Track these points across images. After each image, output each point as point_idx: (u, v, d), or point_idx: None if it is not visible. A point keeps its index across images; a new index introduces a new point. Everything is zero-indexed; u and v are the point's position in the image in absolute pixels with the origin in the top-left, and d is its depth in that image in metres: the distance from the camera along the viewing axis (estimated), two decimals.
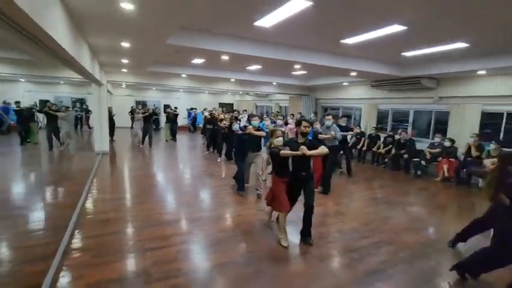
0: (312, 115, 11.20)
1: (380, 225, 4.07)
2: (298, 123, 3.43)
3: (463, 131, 7.19)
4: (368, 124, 9.94)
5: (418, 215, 4.70)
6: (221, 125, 7.66)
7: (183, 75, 9.76)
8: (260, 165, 5.09)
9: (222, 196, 5.10)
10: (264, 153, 5.26)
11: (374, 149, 8.86)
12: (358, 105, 10.80)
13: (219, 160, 8.12)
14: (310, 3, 3.21)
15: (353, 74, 7.19)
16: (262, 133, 5.05)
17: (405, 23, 3.82)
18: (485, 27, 3.92)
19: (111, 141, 10.83)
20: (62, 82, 14.64)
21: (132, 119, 16.15)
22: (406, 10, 3.37)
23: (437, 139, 7.42)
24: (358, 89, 10.27)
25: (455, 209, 5.26)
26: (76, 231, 3.46)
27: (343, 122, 7.40)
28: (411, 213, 4.72)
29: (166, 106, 17.30)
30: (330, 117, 5.86)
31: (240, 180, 5.19)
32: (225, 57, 5.68)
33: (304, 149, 3.13)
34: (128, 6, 3.12)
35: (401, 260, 3.14)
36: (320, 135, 5.55)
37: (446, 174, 6.92)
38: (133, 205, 4.47)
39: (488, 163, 2.86)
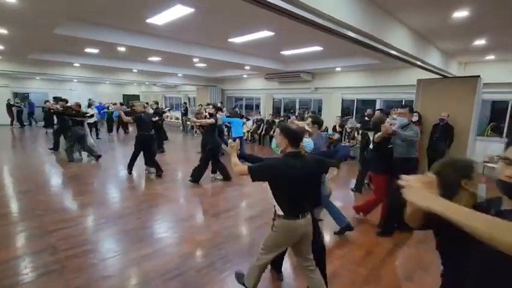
0: (219, 104, 12.04)
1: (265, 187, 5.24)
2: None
3: (332, 113, 9.29)
4: (266, 112, 11.44)
5: None
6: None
7: (76, 65, 9.06)
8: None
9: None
10: None
11: (271, 133, 10.36)
12: (257, 95, 12.22)
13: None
14: (192, 10, 3.89)
15: (247, 67, 8.28)
16: None
17: (272, 30, 4.92)
18: (328, 38, 5.40)
19: None
20: None
21: (11, 114, 13.63)
22: (268, 21, 4.41)
23: None
24: (256, 81, 11.62)
25: None
26: None
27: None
28: None
29: (57, 99, 15.18)
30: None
31: None
32: (121, 49, 5.83)
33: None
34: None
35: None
36: None
37: None
38: (28, 198, 4.36)
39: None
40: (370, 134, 3.98)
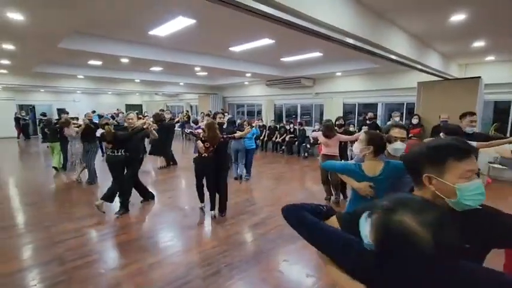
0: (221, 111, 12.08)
1: (268, 194, 5.26)
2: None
3: (334, 118, 9.30)
4: (268, 118, 11.49)
5: (297, 184, 6.15)
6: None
7: (80, 76, 9.21)
8: None
9: None
10: None
11: (273, 138, 10.40)
12: (259, 101, 12.30)
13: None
14: (194, 21, 3.98)
15: (248, 75, 8.37)
16: None
17: (272, 38, 5.00)
18: (328, 44, 5.47)
19: None
20: None
21: (19, 127, 13.75)
22: (268, 29, 4.48)
23: (317, 126, 9.37)
24: (258, 87, 11.71)
25: None
26: None
27: None
28: (291, 184, 6.13)
29: (60, 111, 15.37)
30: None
31: None
32: (124, 60, 5.94)
33: None
34: (16, 17, 3.22)
35: (277, 213, 4.30)
36: None
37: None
38: (34, 211, 4.41)
39: None
40: None
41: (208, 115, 4.55)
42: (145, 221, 4.10)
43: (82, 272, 2.74)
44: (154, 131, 4.53)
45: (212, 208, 4.12)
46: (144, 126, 4.34)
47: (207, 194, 4.20)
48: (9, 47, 4.77)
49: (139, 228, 3.83)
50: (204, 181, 4.20)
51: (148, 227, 3.88)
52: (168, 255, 3.10)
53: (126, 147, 4.23)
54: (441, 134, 3.13)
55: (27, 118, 14.19)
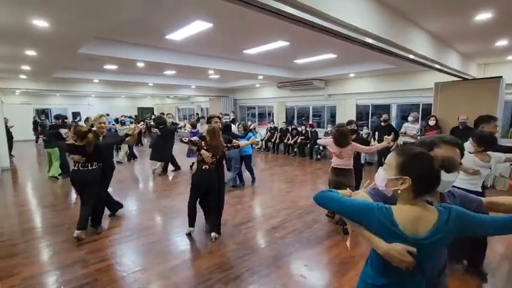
0: (232, 114, 12.12)
1: (283, 197, 5.22)
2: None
3: (346, 119, 9.17)
4: (279, 120, 11.46)
5: (311, 187, 6.10)
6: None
7: (95, 81, 9.40)
8: None
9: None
10: None
11: (285, 140, 10.35)
12: (270, 104, 12.28)
13: None
14: (210, 25, 4.00)
15: (260, 77, 8.37)
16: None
17: (287, 40, 4.97)
18: (342, 45, 5.41)
19: (10, 156, 9.56)
20: None
21: (37, 132, 14.09)
22: (283, 31, 4.45)
23: (329, 127, 9.28)
24: (269, 89, 11.69)
25: None
26: None
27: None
28: (305, 187, 6.07)
29: (76, 114, 15.78)
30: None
31: None
32: (140, 64, 6.03)
33: None
34: (41, 24, 3.30)
35: (294, 217, 4.26)
36: None
37: None
38: (54, 213, 4.50)
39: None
40: None
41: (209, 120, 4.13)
42: (163, 224, 4.14)
43: (106, 274, 2.77)
44: (134, 137, 4.26)
45: (217, 230, 3.58)
46: (129, 132, 4.02)
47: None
48: (31, 53, 4.90)
49: (158, 231, 3.86)
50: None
51: (166, 230, 3.91)
52: (187, 258, 3.11)
53: (102, 157, 3.66)
54: (470, 140, 2.85)
55: (43, 122, 14.56)
